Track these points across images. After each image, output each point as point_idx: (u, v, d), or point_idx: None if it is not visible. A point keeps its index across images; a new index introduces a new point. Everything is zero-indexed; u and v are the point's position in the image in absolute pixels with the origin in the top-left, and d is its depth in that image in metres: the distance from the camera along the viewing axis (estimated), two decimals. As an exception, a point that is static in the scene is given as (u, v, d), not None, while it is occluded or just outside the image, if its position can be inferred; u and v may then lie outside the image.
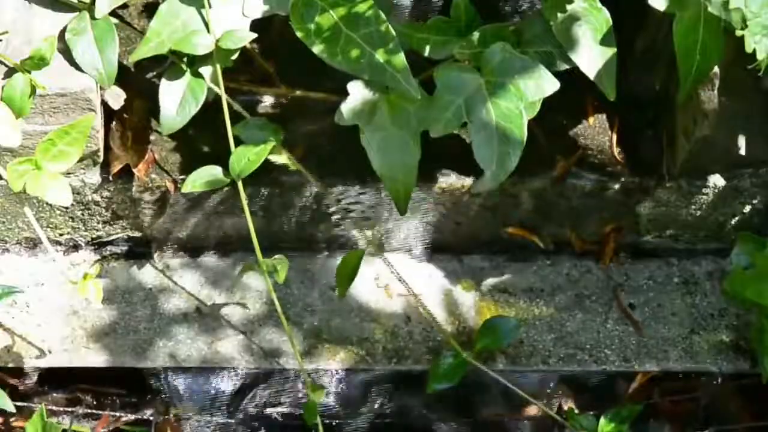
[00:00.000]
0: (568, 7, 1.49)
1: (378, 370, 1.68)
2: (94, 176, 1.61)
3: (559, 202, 1.67)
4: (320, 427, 1.57)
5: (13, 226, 1.68)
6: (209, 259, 1.73)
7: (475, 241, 1.72)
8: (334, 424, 1.73)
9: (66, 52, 1.50)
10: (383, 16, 1.45)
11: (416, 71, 1.47)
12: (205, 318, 1.69)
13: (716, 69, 1.49)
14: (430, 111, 1.49)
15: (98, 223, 1.68)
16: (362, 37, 1.45)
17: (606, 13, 1.49)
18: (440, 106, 1.49)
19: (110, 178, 1.61)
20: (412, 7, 1.66)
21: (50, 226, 1.68)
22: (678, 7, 1.42)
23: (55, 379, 1.73)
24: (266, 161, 1.50)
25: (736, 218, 1.69)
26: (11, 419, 1.71)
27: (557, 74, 1.48)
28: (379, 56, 1.45)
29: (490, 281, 1.72)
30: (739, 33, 1.35)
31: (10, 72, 1.48)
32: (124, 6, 1.63)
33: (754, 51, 1.34)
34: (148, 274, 1.71)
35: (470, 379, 1.64)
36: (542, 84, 1.48)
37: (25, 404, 1.70)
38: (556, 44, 1.50)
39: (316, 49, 1.46)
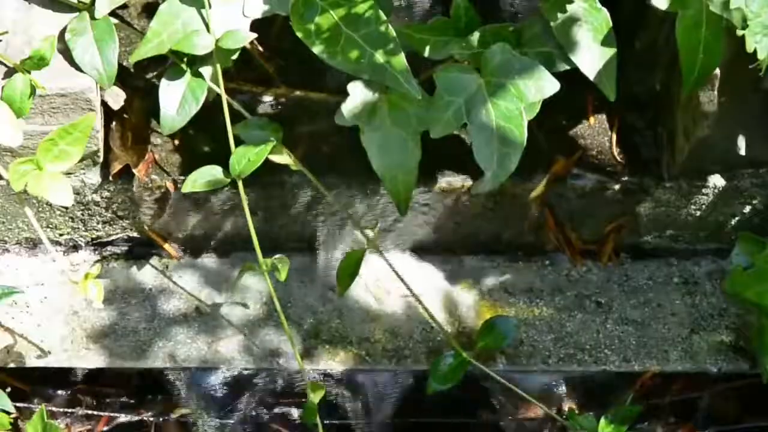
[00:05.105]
0: (568, 7, 1.48)
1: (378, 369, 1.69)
2: (94, 176, 1.61)
3: (558, 203, 1.67)
4: (320, 428, 1.57)
5: (12, 226, 1.67)
6: (209, 259, 1.73)
7: (475, 241, 1.72)
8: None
9: (66, 52, 1.50)
10: (383, 16, 1.45)
11: (416, 71, 1.47)
12: (205, 318, 1.69)
13: (716, 69, 1.49)
14: (430, 111, 1.49)
15: (98, 223, 1.68)
16: (362, 38, 1.45)
17: (606, 14, 1.49)
18: (440, 106, 1.49)
19: (110, 178, 1.61)
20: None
21: (50, 226, 1.67)
22: (680, 6, 1.42)
23: (55, 379, 1.73)
24: (266, 161, 1.50)
25: (736, 218, 1.69)
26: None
27: (557, 74, 1.48)
28: (380, 56, 1.45)
29: (490, 281, 1.72)
30: (739, 33, 1.35)
31: (10, 72, 1.47)
32: (124, 6, 1.63)
33: (755, 51, 1.34)
34: (147, 275, 1.71)
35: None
36: (542, 85, 1.47)
37: (25, 405, 1.70)
38: (556, 45, 1.50)
39: (316, 49, 1.46)
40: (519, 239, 1.72)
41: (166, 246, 1.70)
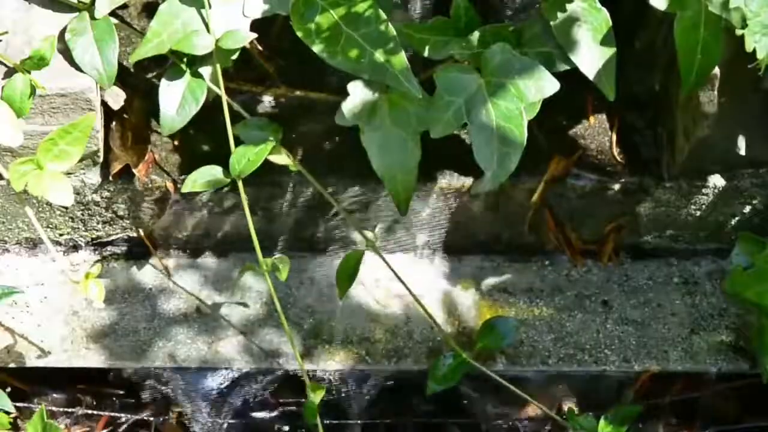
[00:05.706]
0: (568, 7, 1.49)
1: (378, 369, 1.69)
2: (94, 176, 1.61)
3: (558, 203, 1.67)
4: (320, 428, 1.57)
5: (13, 226, 1.68)
6: (209, 259, 1.73)
7: (474, 241, 1.72)
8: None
9: (66, 52, 1.50)
10: (383, 15, 1.45)
11: (416, 71, 1.47)
12: (205, 318, 1.69)
13: (716, 69, 1.49)
14: (430, 111, 1.50)
15: (98, 223, 1.68)
16: (362, 37, 1.45)
17: (606, 13, 1.49)
18: (440, 106, 1.49)
19: (110, 178, 1.61)
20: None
21: (50, 226, 1.67)
22: (679, 7, 1.42)
23: (55, 379, 1.73)
24: (266, 161, 1.50)
25: (736, 218, 1.69)
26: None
27: (557, 74, 1.48)
28: (380, 56, 1.45)
29: (490, 281, 1.72)
30: (739, 32, 1.35)
31: (10, 72, 1.48)
32: (124, 6, 1.63)
33: (754, 50, 1.34)
34: (147, 275, 1.71)
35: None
36: (542, 85, 1.48)
37: (25, 405, 1.70)
38: (556, 45, 1.50)
39: (317, 48, 1.46)
40: (519, 239, 1.72)
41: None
